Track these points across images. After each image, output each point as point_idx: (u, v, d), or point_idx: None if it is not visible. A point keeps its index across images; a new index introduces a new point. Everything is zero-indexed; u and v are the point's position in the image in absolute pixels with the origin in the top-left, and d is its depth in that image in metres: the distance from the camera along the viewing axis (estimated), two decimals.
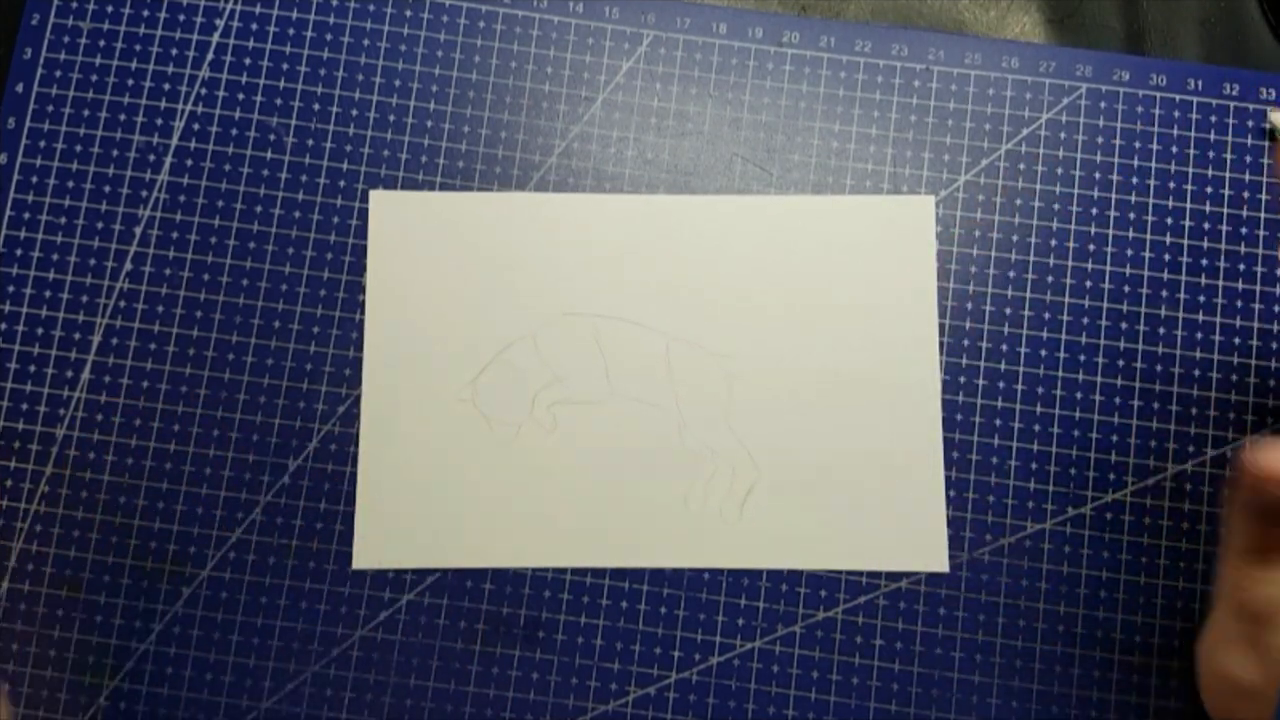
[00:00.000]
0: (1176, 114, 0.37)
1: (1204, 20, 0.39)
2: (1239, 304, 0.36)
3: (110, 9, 0.38)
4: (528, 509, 0.35)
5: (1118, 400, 0.36)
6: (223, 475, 0.35)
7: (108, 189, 0.37)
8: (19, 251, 0.36)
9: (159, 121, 0.37)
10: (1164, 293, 0.36)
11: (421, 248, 0.36)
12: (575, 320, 0.36)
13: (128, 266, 0.36)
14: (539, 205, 0.36)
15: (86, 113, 0.37)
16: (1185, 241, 0.36)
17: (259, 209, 0.37)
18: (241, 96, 0.37)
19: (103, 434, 0.36)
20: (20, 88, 0.37)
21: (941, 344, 0.36)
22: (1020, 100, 0.37)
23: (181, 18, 0.38)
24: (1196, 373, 0.36)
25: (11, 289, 0.36)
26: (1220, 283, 0.36)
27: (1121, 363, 0.36)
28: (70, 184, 0.37)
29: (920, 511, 0.35)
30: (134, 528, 0.35)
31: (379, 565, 0.35)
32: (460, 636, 0.35)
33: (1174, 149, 0.37)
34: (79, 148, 0.37)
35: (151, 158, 0.37)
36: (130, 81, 0.37)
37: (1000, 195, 0.37)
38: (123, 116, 0.37)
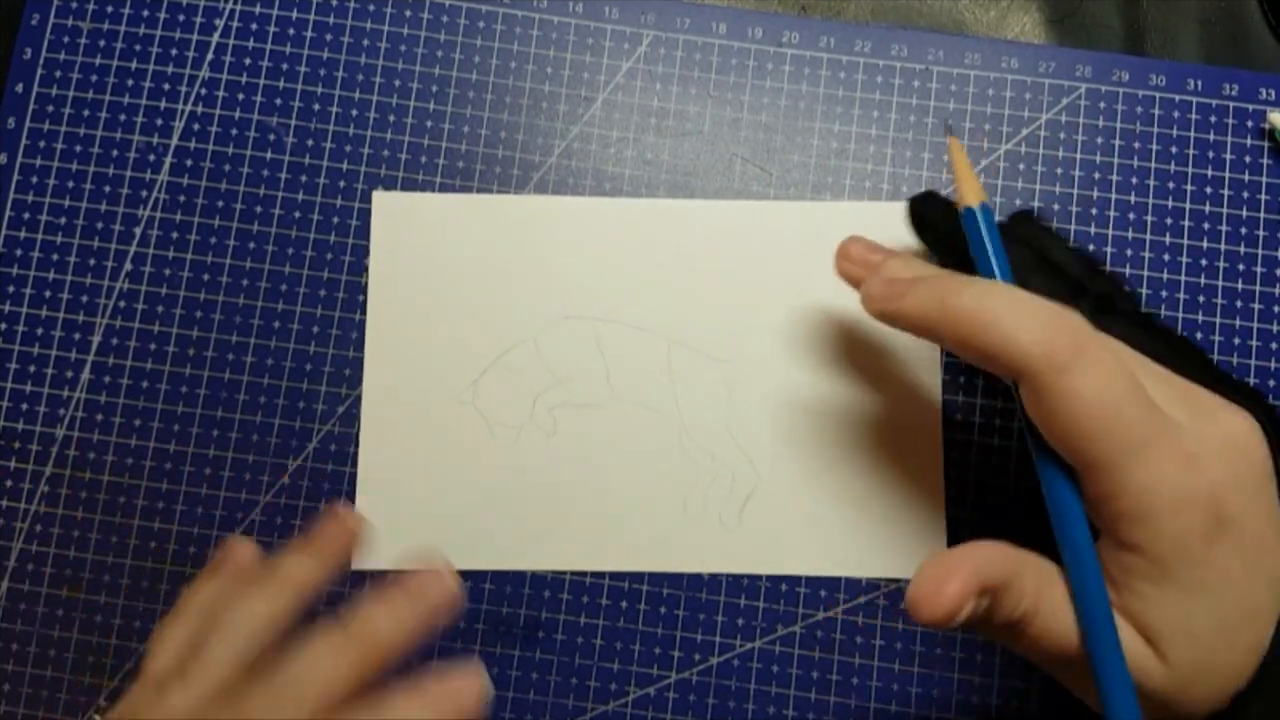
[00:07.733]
0: (1176, 114, 0.37)
1: (1204, 20, 0.39)
2: (1239, 304, 0.36)
3: (110, 9, 0.38)
4: (527, 511, 0.35)
5: None
6: (223, 475, 0.35)
7: (108, 189, 0.37)
8: (19, 251, 0.36)
9: (159, 121, 0.37)
10: (1164, 293, 0.36)
11: (423, 249, 0.36)
12: (576, 323, 0.36)
13: (128, 266, 0.36)
14: (541, 208, 0.36)
15: (86, 113, 0.37)
16: (1185, 241, 0.36)
17: (259, 209, 0.37)
18: (241, 96, 0.37)
19: (103, 434, 0.36)
20: (20, 88, 0.37)
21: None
22: (1020, 100, 0.37)
23: (181, 18, 0.38)
24: None
25: (11, 289, 0.36)
26: (1220, 283, 0.36)
27: None
28: (70, 184, 0.37)
29: (921, 516, 0.35)
30: (134, 528, 0.35)
31: (378, 566, 0.35)
32: (460, 636, 0.35)
33: (1174, 149, 0.37)
34: (79, 148, 0.37)
35: (151, 158, 0.37)
36: (130, 81, 0.37)
37: (1000, 195, 0.37)
38: (123, 116, 0.37)
